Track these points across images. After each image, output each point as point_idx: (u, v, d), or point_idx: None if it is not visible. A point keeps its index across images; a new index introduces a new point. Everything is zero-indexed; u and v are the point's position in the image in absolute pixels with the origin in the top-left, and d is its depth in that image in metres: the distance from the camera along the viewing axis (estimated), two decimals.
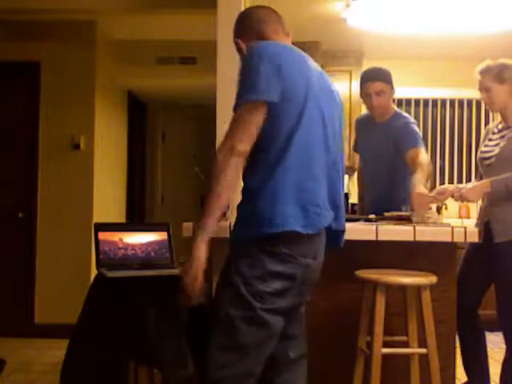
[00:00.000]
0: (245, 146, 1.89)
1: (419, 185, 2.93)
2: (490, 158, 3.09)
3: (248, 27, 2.14)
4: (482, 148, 3.19)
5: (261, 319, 1.94)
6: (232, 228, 2.08)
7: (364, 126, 3.63)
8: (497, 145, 3.09)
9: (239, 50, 2.17)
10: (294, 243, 1.95)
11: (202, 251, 1.90)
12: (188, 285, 1.92)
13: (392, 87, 3.40)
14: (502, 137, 3.09)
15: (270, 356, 2.03)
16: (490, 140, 3.16)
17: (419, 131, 3.40)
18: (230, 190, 1.91)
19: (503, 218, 2.99)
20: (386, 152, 3.40)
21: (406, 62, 5.98)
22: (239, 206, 2.03)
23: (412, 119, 3.48)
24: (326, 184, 2.04)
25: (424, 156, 3.21)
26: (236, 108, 1.94)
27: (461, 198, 3.02)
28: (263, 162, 1.93)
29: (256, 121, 1.90)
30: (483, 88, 3.11)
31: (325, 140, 2.03)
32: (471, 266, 3.14)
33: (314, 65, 2.10)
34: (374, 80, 3.35)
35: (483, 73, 3.12)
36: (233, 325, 1.95)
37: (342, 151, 2.21)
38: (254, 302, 1.93)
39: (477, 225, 3.18)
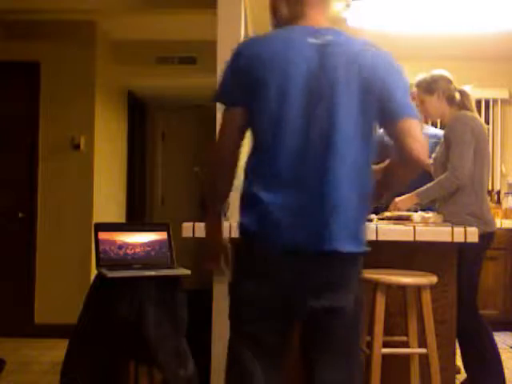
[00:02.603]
0: None
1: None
2: (433, 162, 3.34)
3: None
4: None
5: None
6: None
7: None
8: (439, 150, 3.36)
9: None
10: None
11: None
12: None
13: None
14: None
15: None
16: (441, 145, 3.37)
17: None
18: None
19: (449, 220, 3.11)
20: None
21: (406, 62, 5.95)
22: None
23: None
24: None
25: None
26: None
27: (393, 207, 3.28)
28: None
29: None
30: (418, 101, 3.36)
31: None
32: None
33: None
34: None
35: (417, 86, 3.39)
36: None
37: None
38: None
39: None
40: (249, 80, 1.78)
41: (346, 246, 1.76)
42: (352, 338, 1.84)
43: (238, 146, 1.86)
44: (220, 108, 1.89)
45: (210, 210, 1.97)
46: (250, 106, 1.79)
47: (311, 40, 1.81)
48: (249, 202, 1.78)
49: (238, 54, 1.83)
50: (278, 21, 1.95)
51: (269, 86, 1.75)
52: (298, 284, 1.74)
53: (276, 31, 1.92)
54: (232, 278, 1.86)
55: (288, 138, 1.74)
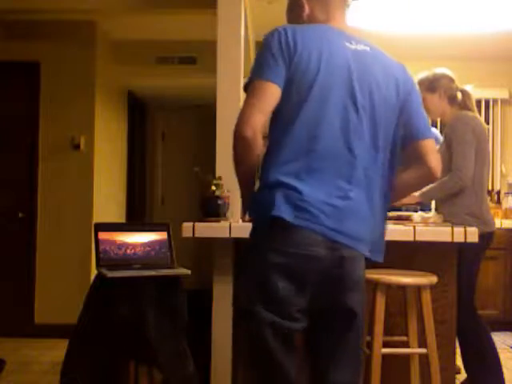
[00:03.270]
0: None
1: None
2: None
3: None
4: None
5: None
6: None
7: None
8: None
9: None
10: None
11: None
12: None
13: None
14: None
15: None
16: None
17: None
18: None
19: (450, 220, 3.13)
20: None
21: (406, 62, 5.96)
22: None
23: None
24: None
25: None
26: None
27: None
28: None
29: None
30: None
31: None
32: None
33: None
34: None
35: (418, 84, 3.31)
36: None
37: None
38: None
39: None
40: (294, 69, 1.76)
41: (368, 251, 1.84)
42: (360, 338, 1.85)
43: (264, 125, 1.79)
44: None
45: (245, 189, 1.86)
46: (287, 93, 1.76)
47: (348, 44, 1.84)
48: (281, 191, 1.70)
49: (285, 39, 1.77)
50: (298, 18, 1.93)
51: (314, 83, 1.75)
52: (325, 282, 1.74)
53: (313, 26, 1.88)
54: (253, 271, 1.76)
55: (323, 135, 1.74)
